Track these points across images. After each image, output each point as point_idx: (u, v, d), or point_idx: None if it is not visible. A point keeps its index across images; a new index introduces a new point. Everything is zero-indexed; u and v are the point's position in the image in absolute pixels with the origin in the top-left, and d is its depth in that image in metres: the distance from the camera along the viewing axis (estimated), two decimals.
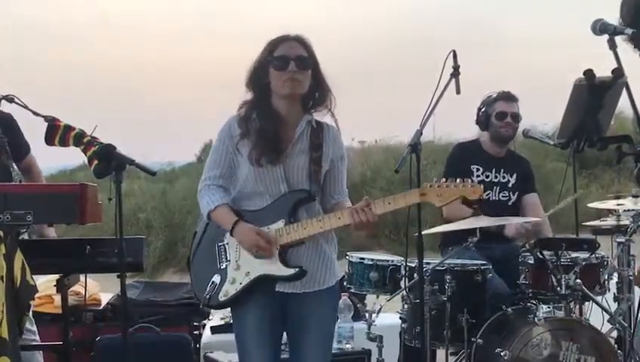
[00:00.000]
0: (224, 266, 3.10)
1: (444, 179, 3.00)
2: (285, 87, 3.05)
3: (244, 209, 3.11)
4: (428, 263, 4.05)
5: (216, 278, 3.09)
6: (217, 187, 3.14)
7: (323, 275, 3.16)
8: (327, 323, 3.24)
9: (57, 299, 4.41)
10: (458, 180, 2.98)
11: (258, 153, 3.04)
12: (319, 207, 3.17)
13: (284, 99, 3.10)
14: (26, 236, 4.12)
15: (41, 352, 4.30)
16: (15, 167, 4.17)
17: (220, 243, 3.13)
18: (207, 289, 3.09)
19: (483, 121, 4.84)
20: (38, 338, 4.29)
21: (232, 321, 3.29)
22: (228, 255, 3.11)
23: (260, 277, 3.05)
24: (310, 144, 3.13)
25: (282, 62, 3.04)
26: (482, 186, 3.14)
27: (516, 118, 4.76)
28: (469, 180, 3.00)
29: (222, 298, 3.08)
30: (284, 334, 3.22)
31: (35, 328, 4.29)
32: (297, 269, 3.06)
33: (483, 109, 4.84)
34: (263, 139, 3.05)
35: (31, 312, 4.28)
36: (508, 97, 4.79)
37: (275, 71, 3.06)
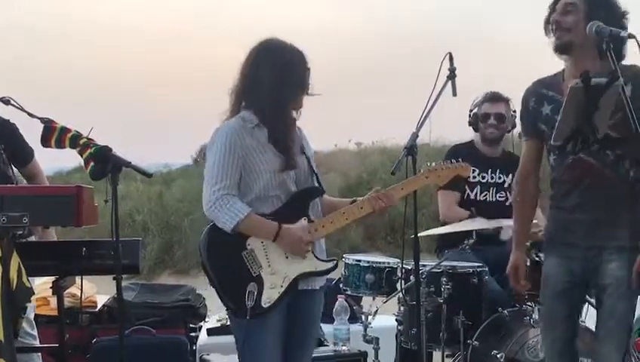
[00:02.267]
0: (257, 273, 3.06)
1: (436, 163, 3.36)
2: (300, 106, 3.20)
3: (262, 212, 3.10)
4: (424, 265, 4.06)
5: (252, 287, 3.03)
6: (233, 196, 3.05)
7: None
8: (319, 319, 3.42)
9: (53, 301, 4.41)
10: (449, 162, 3.38)
11: (283, 160, 3.10)
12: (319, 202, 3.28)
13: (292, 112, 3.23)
14: (34, 238, 4.13)
15: (39, 354, 4.30)
16: (15, 172, 4.18)
17: (245, 251, 3.07)
18: (248, 300, 3.01)
19: (474, 123, 4.86)
20: (37, 342, 4.29)
21: (229, 323, 3.28)
22: (258, 261, 3.07)
23: (298, 276, 3.11)
24: (300, 145, 3.27)
25: (307, 91, 3.17)
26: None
27: (500, 118, 4.76)
28: (459, 161, 3.40)
29: (266, 304, 3.05)
30: None
31: (35, 332, 4.28)
32: (334, 261, 3.19)
33: (473, 111, 4.86)
34: (282, 146, 3.12)
35: (33, 315, 4.28)
36: (492, 98, 4.80)
37: (302, 88, 3.16)
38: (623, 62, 3.07)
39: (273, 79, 3.09)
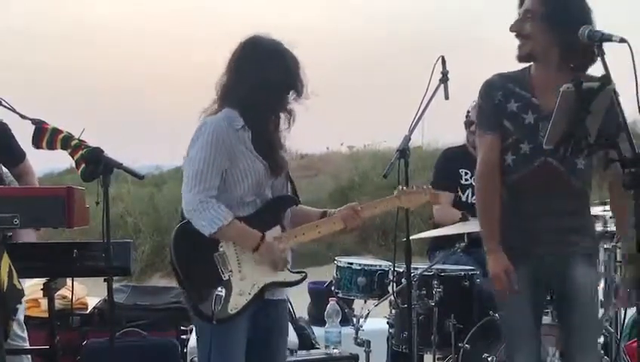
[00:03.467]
0: (227, 277, 2.97)
1: (413, 186, 3.24)
2: (287, 106, 3.08)
3: (240, 216, 3.01)
4: (416, 268, 4.06)
5: (220, 291, 2.95)
6: (215, 199, 2.94)
7: None
8: (286, 333, 3.31)
9: (44, 302, 4.40)
10: (425, 186, 3.27)
11: (273, 163, 3.05)
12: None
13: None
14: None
15: (29, 357, 4.28)
16: (5, 172, 4.16)
17: (217, 254, 2.98)
18: (214, 304, 2.94)
19: (469, 126, 4.87)
20: (27, 344, 4.27)
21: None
22: (228, 265, 2.98)
23: (267, 285, 3.02)
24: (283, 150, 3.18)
25: (303, 89, 3.07)
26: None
27: None
28: (429, 187, 3.30)
29: (232, 311, 2.96)
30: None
31: (25, 334, 4.26)
32: (303, 274, 3.10)
33: (470, 114, 4.87)
34: (270, 155, 3.05)
35: (22, 317, 4.26)
36: None
37: (294, 94, 3.06)
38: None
39: (257, 76, 2.99)
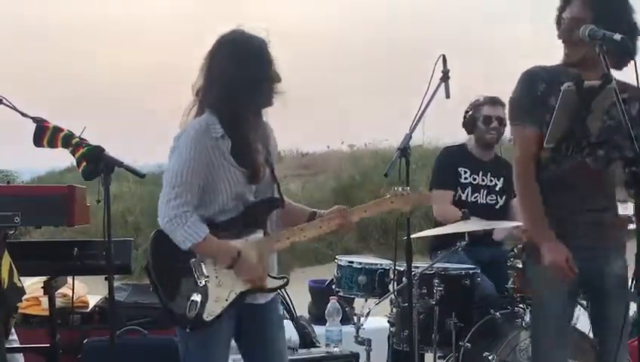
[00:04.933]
0: (203, 283, 2.92)
1: (408, 188, 3.16)
2: (271, 101, 2.99)
3: (219, 221, 2.96)
4: (416, 267, 4.06)
5: (196, 297, 2.90)
6: (192, 213, 2.87)
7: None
8: (283, 328, 3.23)
9: (45, 301, 4.40)
10: (421, 189, 3.13)
11: (248, 177, 2.95)
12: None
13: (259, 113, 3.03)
14: None
15: (21, 354, 4.27)
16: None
17: (194, 260, 2.92)
18: (189, 308, 2.90)
19: (469, 125, 4.87)
20: (17, 344, 4.25)
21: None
22: (205, 271, 2.93)
23: (245, 292, 2.96)
24: (265, 149, 3.06)
25: (277, 81, 2.96)
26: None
27: (501, 121, 4.79)
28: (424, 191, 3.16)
29: (208, 318, 2.90)
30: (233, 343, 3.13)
31: (15, 336, 4.25)
32: (285, 279, 3.05)
33: (470, 113, 4.87)
34: (249, 163, 2.94)
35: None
36: (494, 101, 4.82)
37: (270, 84, 2.95)
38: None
39: (233, 73, 2.88)
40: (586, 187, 3.17)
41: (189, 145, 2.87)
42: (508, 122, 4.69)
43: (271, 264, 3.05)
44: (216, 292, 2.93)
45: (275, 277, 3.03)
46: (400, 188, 3.14)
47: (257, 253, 2.95)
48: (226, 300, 2.93)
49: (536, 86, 3.13)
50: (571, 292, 3.23)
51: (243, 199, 2.98)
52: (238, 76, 2.89)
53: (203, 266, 2.93)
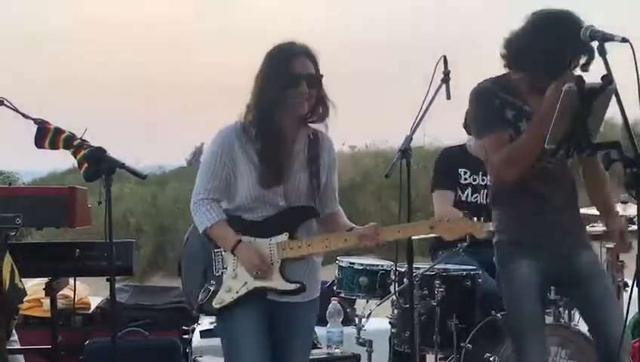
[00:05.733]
0: (220, 273, 3.04)
1: (447, 219, 3.08)
2: (296, 107, 2.99)
3: (247, 219, 3.05)
4: (418, 268, 4.06)
5: (211, 284, 3.04)
6: (212, 201, 3.04)
7: (313, 286, 3.19)
8: (312, 331, 3.34)
9: (46, 302, 4.41)
10: (465, 217, 3.09)
11: (262, 176, 3.00)
12: (315, 222, 3.15)
13: (289, 117, 3.04)
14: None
15: (22, 356, 4.28)
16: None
17: (216, 250, 3.07)
18: (201, 295, 3.05)
19: (469, 126, 4.86)
20: (18, 345, 4.26)
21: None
22: (225, 263, 3.04)
23: (257, 288, 3.02)
24: (308, 157, 3.09)
25: (295, 82, 2.95)
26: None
27: None
28: (475, 219, 3.10)
29: (216, 305, 3.02)
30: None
31: (16, 336, 4.25)
32: (299, 285, 3.06)
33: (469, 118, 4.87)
34: (265, 163, 3.00)
35: None
36: None
37: (285, 89, 2.95)
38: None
39: (265, 78, 2.99)
40: (547, 190, 3.25)
41: (215, 144, 3.06)
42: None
43: (293, 268, 3.07)
44: (229, 283, 3.03)
45: (289, 281, 3.05)
46: (443, 219, 3.10)
47: (263, 250, 3.01)
48: (237, 292, 3.02)
49: (491, 100, 3.22)
50: (541, 293, 3.32)
51: (271, 202, 3.04)
52: (265, 82, 2.99)
53: (224, 258, 3.05)
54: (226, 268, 3.04)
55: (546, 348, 3.38)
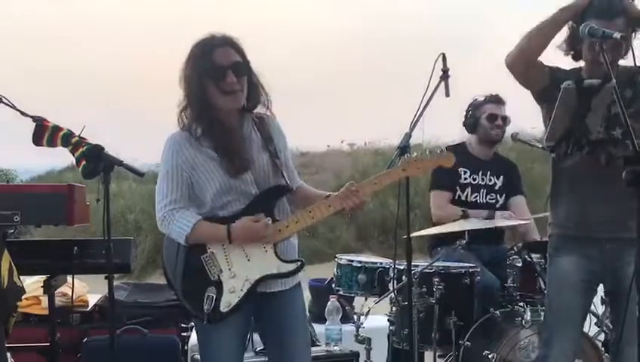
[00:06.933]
0: (216, 277, 2.97)
1: (416, 153, 3.10)
2: (230, 99, 2.95)
3: (224, 216, 2.99)
4: (416, 266, 4.06)
5: (211, 291, 2.95)
6: (180, 209, 2.96)
7: None
8: (304, 318, 3.24)
9: (44, 300, 4.41)
10: (430, 151, 3.12)
11: (229, 166, 2.95)
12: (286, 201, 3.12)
13: (227, 109, 2.99)
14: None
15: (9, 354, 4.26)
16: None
17: (204, 255, 2.99)
18: (206, 304, 2.94)
19: (471, 124, 4.86)
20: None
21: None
22: (218, 265, 2.98)
23: (259, 279, 2.98)
24: (262, 140, 3.07)
25: (222, 73, 2.91)
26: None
27: (505, 120, 4.80)
28: (441, 149, 3.13)
29: (224, 309, 2.95)
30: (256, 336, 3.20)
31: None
32: (298, 263, 3.02)
33: (471, 112, 4.87)
34: (226, 152, 2.96)
35: None
36: (497, 100, 4.82)
37: (211, 82, 2.92)
38: None
39: (192, 76, 2.94)
40: (600, 178, 3.21)
41: (168, 150, 3.00)
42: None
43: (286, 249, 3.05)
44: (231, 283, 2.97)
45: (287, 261, 3.01)
46: (412, 155, 3.10)
47: (252, 218, 2.94)
48: (241, 290, 2.97)
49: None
50: (586, 292, 3.29)
51: (244, 192, 3.00)
52: (192, 80, 2.94)
53: (216, 260, 2.98)
54: (222, 271, 2.98)
55: (576, 345, 3.34)
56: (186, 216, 2.95)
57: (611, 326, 3.46)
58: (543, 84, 3.23)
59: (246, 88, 2.99)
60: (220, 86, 2.92)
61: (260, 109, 3.09)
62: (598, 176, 3.19)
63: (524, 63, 3.19)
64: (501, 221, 4.57)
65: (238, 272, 2.98)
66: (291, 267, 3.02)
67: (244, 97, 2.99)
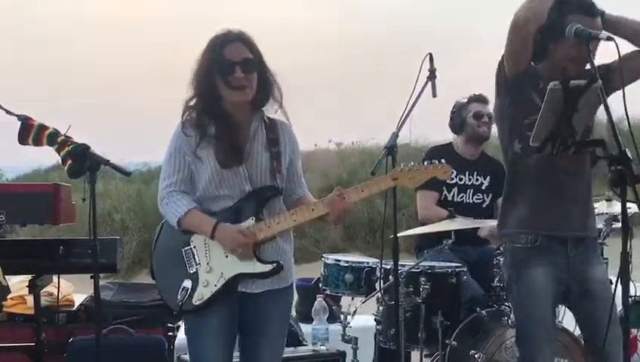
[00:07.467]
0: (194, 270, 3.03)
1: (412, 163, 3.08)
2: (237, 93, 3.00)
3: (214, 210, 3.06)
4: (403, 265, 4.07)
5: (187, 283, 3.02)
6: (180, 192, 3.07)
7: (286, 273, 3.14)
8: (286, 322, 3.27)
9: (30, 299, 4.38)
10: (426, 162, 3.09)
11: (222, 155, 3.01)
12: (282, 204, 3.15)
13: (235, 103, 3.05)
14: None
15: None
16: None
17: (186, 248, 3.06)
18: (179, 295, 3.01)
19: (457, 125, 4.88)
20: None
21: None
22: (197, 258, 3.04)
23: (234, 276, 3.01)
24: (267, 140, 3.10)
25: (230, 68, 2.97)
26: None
27: (491, 118, 4.80)
28: (437, 161, 3.08)
29: (196, 302, 3.00)
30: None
31: None
32: (275, 264, 3.04)
33: (456, 113, 4.88)
34: (222, 142, 3.02)
35: None
36: (481, 99, 4.84)
37: (220, 76, 2.99)
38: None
39: (203, 68, 3.02)
40: (565, 175, 3.23)
41: (173, 137, 3.10)
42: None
43: (270, 250, 3.07)
44: (206, 277, 3.02)
45: (264, 262, 3.03)
46: (402, 165, 3.08)
47: (239, 228, 2.99)
48: (215, 285, 3.01)
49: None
50: (554, 299, 3.27)
51: (236, 188, 3.04)
52: (201, 73, 3.03)
53: (195, 254, 3.05)
54: (199, 264, 3.04)
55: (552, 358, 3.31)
56: (183, 200, 3.05)
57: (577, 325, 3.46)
58: (524, 66, 3.21)
59: (255, 84, 3.03)
60: (227, 81, 2.99)
61: (271, 105, 3.13)
62: (565, 173, 3.21)
63: (534, 24, 3.11)
64: (489, 221, 4.58)
65: (214, 267, 3.02)
66: (268, 268, 3.04)
67: (253, 93, 3.04)
